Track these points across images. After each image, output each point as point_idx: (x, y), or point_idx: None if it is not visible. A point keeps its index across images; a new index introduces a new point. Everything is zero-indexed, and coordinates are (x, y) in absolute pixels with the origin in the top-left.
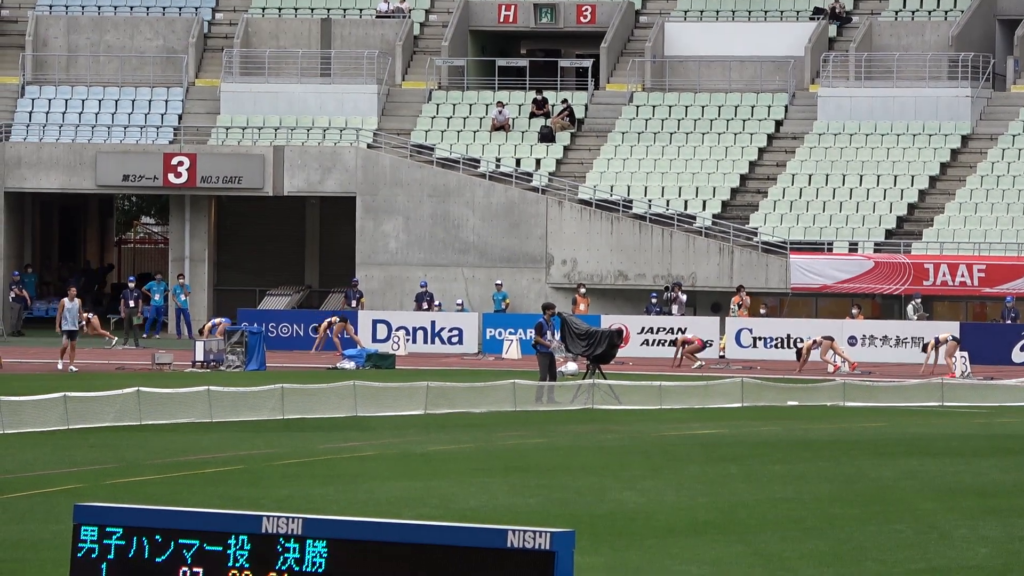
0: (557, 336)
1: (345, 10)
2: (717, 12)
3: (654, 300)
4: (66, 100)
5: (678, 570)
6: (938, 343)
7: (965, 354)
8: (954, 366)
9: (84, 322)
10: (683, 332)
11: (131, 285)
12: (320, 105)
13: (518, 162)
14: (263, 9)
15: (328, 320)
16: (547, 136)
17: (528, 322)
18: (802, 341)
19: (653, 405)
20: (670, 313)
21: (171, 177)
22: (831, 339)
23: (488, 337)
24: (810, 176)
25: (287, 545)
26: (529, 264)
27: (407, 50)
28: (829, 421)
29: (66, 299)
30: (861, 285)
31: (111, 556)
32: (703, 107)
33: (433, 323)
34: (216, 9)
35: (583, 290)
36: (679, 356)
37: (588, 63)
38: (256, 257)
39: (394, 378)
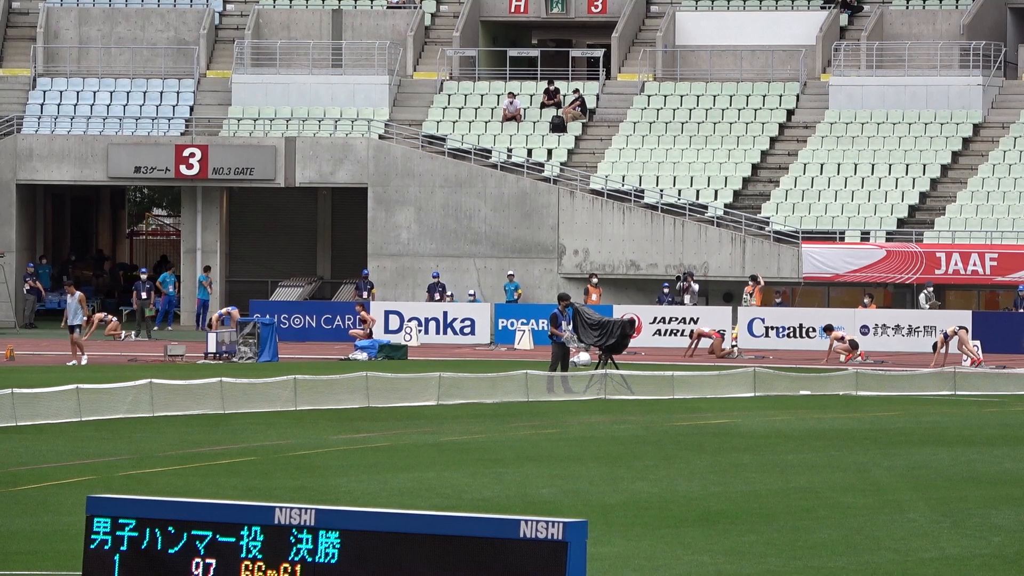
0: (570, 327)
1: (356, 1)
2: (728, 1)
3: (666, 290)
4: (77, 92)
5: (691, 559)
6: (947, 338)
7: (978, 343)
8: (969, 354)
9: (85, 318)
10: (695, 323)
11: (143, 277)
12: (331, 96)
13: (530, 152)
14: (274, 0)
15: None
16: (558, 126)
17: (540, 312)
18: (835, 330)
19: (666, 395)
20: (682, 303)
21: (183, 169)
22: (844, 339)
23: (500, 328)
24: (822, 165)
25: (300, 536)
26: (541, 254)
27: (418, 41)
28: (842, 410)
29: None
30: (873, 274)
31: (124, 548)
32: (715, 97)
33: (445, 314)
34: (227, 0)
35: (595, 280)
36: (693, 347)
37: (599, 53)
38: (268, 248)
39: (406, 369)
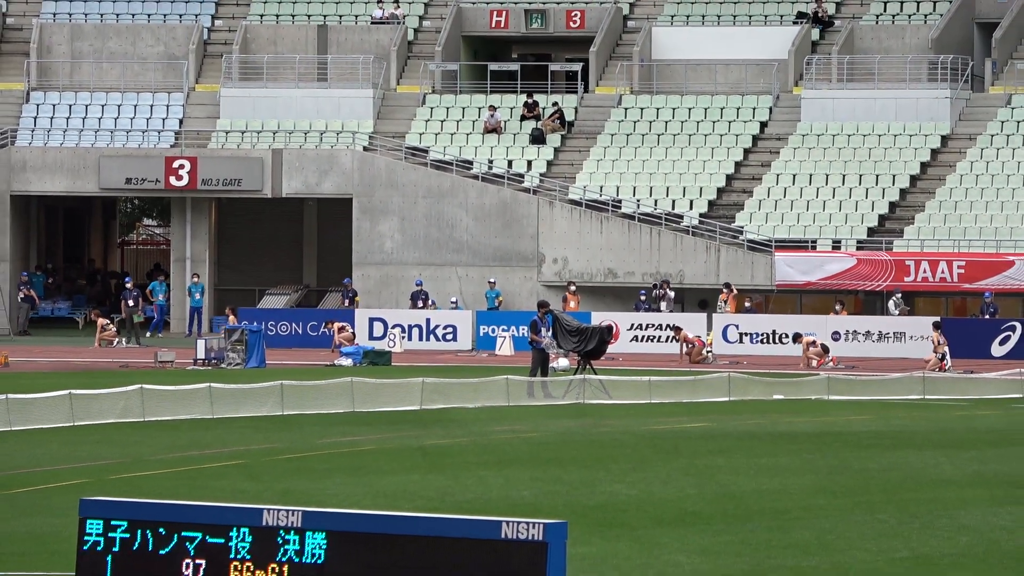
0: (549, 333)
1: (341, 16)
2: (703, 17)
3: (643, 297)
4: (70, 105)
5: (667, 559)
6: (936, 349)
7: (946, 348)
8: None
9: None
10: (672, 328)
11: (129, 285)
12: (317, 109)
13: (510, 163)
14: (261, 16)
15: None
16: (538, 138)
17: (520, 319)
18: (806, 336)
19: (643, 400)
20: (659, 310)
21: (172, 180)
22: (816, 343)
23: (482, 334)
24: (794, 176)
25: (287, 537)
26: (521, 263)
27: (401, 55)
28: (814, 415)
29: None
30: (844, 282)
31: (116, 549)
32: (690, 109)
33: (428, 321)
34: (216, 16)
35: (573, 288)
36: (683, 350)
37: (578, 67)
38: (255, 257)
39: (390, 374)
